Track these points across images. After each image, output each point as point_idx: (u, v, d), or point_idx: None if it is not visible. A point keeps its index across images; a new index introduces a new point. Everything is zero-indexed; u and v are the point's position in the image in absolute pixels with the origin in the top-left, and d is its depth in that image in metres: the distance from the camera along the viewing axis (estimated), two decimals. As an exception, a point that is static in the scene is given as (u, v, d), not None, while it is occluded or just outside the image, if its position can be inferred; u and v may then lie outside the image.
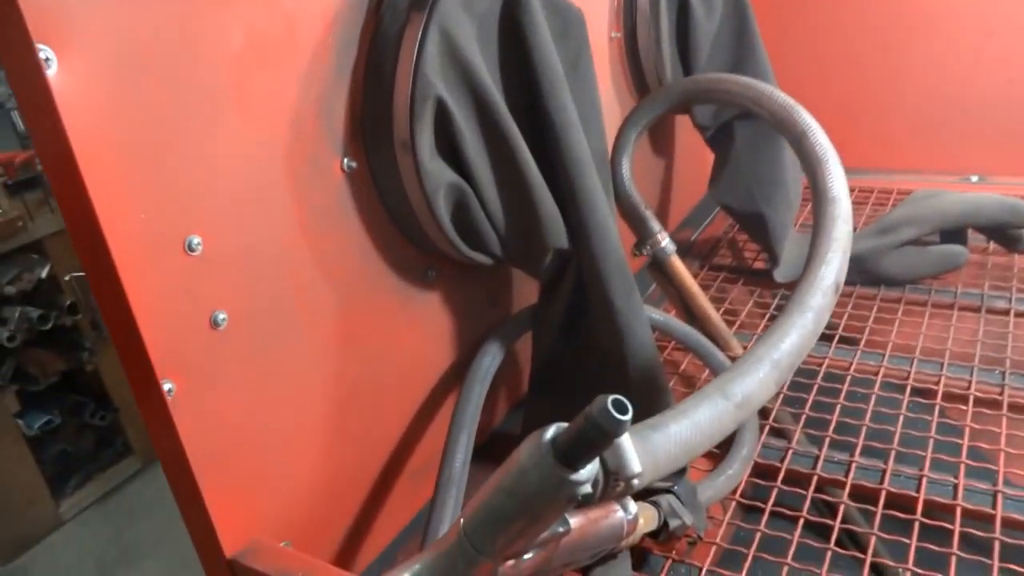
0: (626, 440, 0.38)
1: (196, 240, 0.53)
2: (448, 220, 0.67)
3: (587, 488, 0.35)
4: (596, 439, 0.33)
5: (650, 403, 0.72)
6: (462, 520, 0.41)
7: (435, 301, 0.77)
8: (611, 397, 0.33)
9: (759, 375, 0.50)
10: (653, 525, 0.64)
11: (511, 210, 0.70)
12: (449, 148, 0.66)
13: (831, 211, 0.63)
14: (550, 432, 0.35)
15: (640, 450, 0.40)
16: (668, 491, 0.66)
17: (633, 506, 0.57)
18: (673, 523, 0.65)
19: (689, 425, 0.46)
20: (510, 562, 0.44)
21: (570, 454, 0.35)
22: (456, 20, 0.64)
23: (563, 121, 0.70)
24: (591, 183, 0.71)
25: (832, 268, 0.58)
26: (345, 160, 0.64)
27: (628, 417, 0.32)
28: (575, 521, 0.48)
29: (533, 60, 0.69)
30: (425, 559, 0.43)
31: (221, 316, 0.55)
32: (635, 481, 0.38)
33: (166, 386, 0.52)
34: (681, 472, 0.67)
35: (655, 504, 0.65)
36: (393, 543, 0.77)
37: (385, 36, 0.63)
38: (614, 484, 0.39)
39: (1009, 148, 1.32)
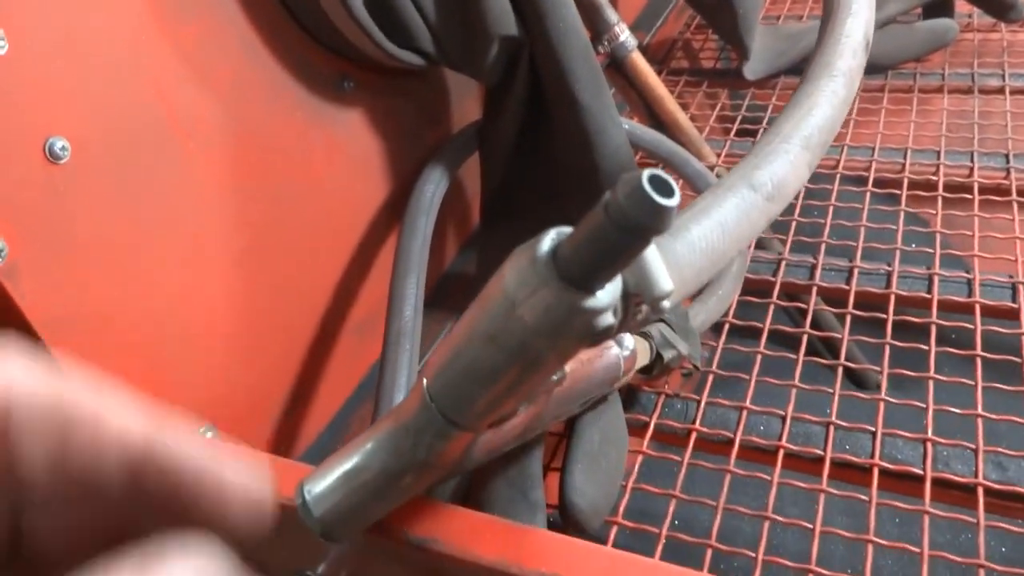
0: (650, 247, 0.26)
1: (-6, 33, 0.37)
2: (360, 2, 0.51)
3: (609, 318, 0.24)
4: (625, 241, 0.21)
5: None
6: (425, 381, 0.29)
7: (356, 120, 0.62)
8: (647, 172, 0.20)
9: (789, 158, 0.39)
10: (646, 360, 0.54)
11: (441, -11, 0.54)
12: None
13: (849, -48, 0.49)
14: (547, 241, 0.23)
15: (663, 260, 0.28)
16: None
17: (630, 339, 0.46)
18: (668, 354, 0.55)
19: (713, 227, 0.34)
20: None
21: (582, 270, 0.23)
22: None
23: None
24: (540, -54, 0.55)
25: (860, 20, 0.46)
26: (208, -77, 0.47)
27: (675, 201, 0.20)
28: (567, 365, 0.37)
29: None
30: (379, 435, 0.32)
31: (59, 145, 0.40)
32: (665, 303, 0.27)
33: (-8, 246, 0.37)
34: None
35: (645, 335, 0.55)
36: (344, 408, 0.66)
37: None
38: (635, 310, 0.27)
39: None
